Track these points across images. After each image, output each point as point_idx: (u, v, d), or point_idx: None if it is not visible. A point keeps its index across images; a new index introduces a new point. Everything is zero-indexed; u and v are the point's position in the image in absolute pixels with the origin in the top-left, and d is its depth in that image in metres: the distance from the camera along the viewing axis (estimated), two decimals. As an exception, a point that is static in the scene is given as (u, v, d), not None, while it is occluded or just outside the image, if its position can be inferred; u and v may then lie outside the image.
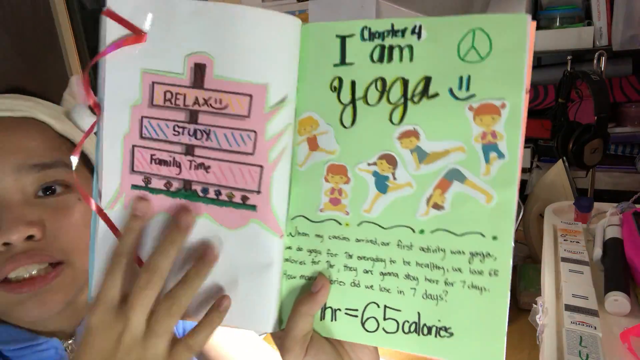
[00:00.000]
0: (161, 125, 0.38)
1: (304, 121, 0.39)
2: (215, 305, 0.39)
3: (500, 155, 0.34)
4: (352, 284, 0.39)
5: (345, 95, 0.37)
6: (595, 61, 1.07)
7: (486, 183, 0.35)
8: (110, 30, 0.37)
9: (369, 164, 0.37)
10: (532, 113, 1.53)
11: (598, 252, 0.71)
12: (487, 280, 0.35)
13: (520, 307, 0.93)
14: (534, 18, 0.30)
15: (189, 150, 0.38)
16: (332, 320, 0.40)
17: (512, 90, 0.34)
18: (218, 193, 0.38)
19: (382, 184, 0.37)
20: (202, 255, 0.39)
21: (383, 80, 0.36)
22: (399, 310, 0.38)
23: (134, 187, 0.39)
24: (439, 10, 1.17)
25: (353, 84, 0.36)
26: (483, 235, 0.35)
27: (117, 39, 0.37)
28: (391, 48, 0.35)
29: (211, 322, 0.39)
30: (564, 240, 0.75)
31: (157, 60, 0.37)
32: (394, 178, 0.37)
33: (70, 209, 0.49)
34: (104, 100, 0.38)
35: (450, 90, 0.34)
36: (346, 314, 0.39)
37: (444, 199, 0.36)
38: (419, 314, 0.37)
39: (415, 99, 0.35)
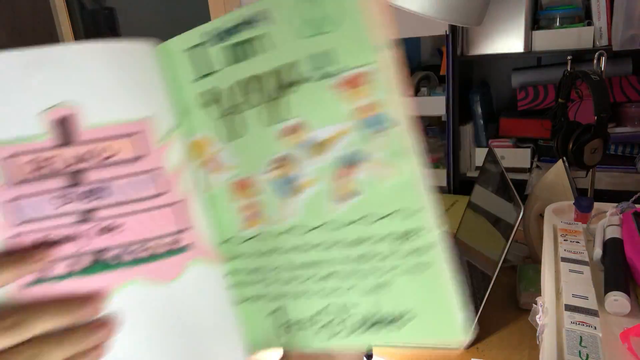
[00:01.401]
0: (37, 202, 0.31)
1: (196, 144, 0.36)
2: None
3: (390, 123, 0.32)
4: (299, 294, 0.37)
5: (226, 105, 0.34)
6: (595, 61, 1.07)
7: (387, 156, 0.32)
8: None
9: (270, 170, 0.35)
10: (532, 113, 1.53)
11: (598, 252, 0.71)
12: (425, 256, 0.33)
13: (520, 307, 0.93)
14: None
15: (86, 216, 0.32)
16: (289, 333, 0.38)
17: (372, 51, 0.30)
18: (141, 249, 0.33)
19: (290, 187, 0.35)
20: (97, 325, 0.32)
21: (254, 76, 0.33)
22: (352, 309, 0.36)
23: (29, 285, 0.31)
24: (441, 7, 1.17)
25: (227, 90, 0.34)
26: (407, 211, 0.33)
27: None
28: (249, 40, 0.32)
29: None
30: (564, 240, 0.75)
31: (4, 128, 0.31)
32: (299, 177, 0.34)
33: None
34: None
35: (318, 69, 0.32)
36: (300, 324, 0.38)
37: (355, 183, 0.33)
38: (371, 307, 0.35)
39: (288, 89, 0.33)
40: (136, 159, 0.33)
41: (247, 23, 0.32)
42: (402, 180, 0.32)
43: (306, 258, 0.36)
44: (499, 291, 0.97)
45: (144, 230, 0.33)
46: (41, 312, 0.30)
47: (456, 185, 1.63)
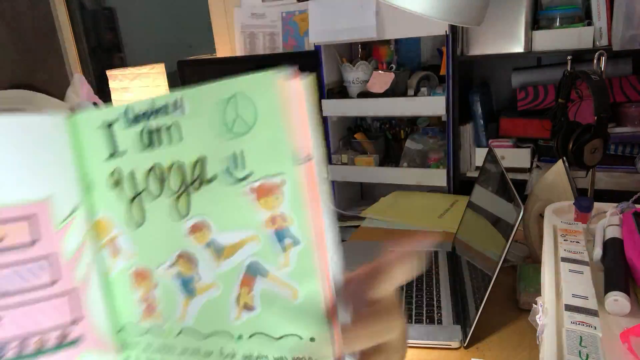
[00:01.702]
0: None
1: (99, 224, 0.33)
2: None
3: (295, 241, 0.29)
4: None
5: (129, 190, 0.32)
6: (595, 61, 1.07)
7: (288, 276, 0.30)
8: None
9: (170, 266, 0.32)
10: (532, 113, 1.53)
11: (598, 252, 0.71)
12: None
13: (520, 307, 0.93)
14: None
15: None
16: None
17: (285, 162, 0.28)
18: (23, 346, 0.30)
19: (188, 287, 0.32)
20: None
21: (160, 167, 0.31)
22: None
23: None
24: (441, 7, 1.17)
25: (132, 175, 0.32)
26: (300, 337, 0.30)
27: None
28: (159, 129, 0.31)
29: None
30: (564, 240, 0.75)
31: None
32: (199, 278, 0.32)
33: None
34: None
35: (227, 171, 0.29)
36: None
37: (252, 297, 0.30)
38: None
39: (196, 184, 0.30)
40: (30, 244, 0.30)
41: (158, 111, 0.30)
42: (298, 305, 0.30)
43: None
44: (499, 291, 0.97)
45: (30, 324, 0.30)
46: None
47: (456, 185, 1.63)
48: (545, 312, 0.60)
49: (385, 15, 1.54)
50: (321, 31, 1.63)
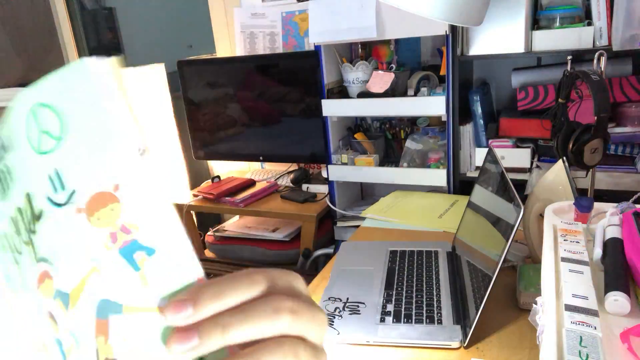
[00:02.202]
0: None
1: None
2: None
3: (149, 250, 0.24)
4: None
5: (9, 254, 0.27)
6: (595, 61, 1.07)
7: (152, 296, 0.24)
8: None
9: (48, 331, 0.26)
10: (532, 113, 1.53)
11: (598, 252, 0.71)
12: None
13: (520, 307, 0.93)
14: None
15: None
16: None
17: (115, 163, 0.23)
18: None
19: (62, 352, 0.26)
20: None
21: (12, 219, 0.26)
22: None
23: None
24: (441, 7, 1.17)
25: (6, 236, 0.27)
26: None
27: None
28: (3, 175, 0.26)
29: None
30: (564, 240, 0.75)
31: None
32: (63, 340, 0.26)
33: None
34: None
35: (50, 199, 0.24)
36: None
37: (111, 347, 0.24)
38: None
39: (32, 227, 0.25)
40: None
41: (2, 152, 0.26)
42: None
43: None
44: (499, 291, 0.97)
45: None
46: None
47: (456, 185, 1.63)
48: (545, 312, 0.60)
49: (385, 15, 1.54)
50: (321, 31, 1.63)
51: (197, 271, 0.25)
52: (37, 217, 0.25)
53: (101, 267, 0.24)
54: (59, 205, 0.24)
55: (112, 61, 0.23)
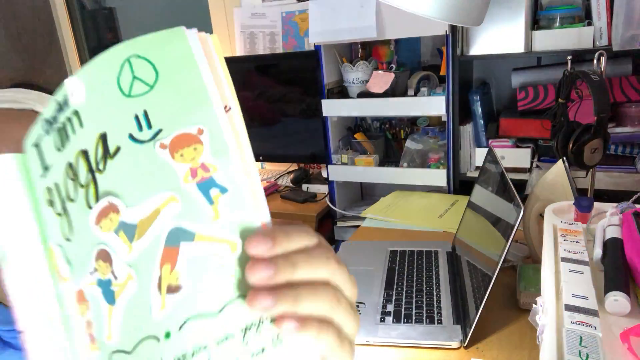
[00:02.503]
0: None
1: (49, 251, 0.30)
2: None
3: (222, 189, 0.26)
4: None
5: (57, 205, 0.29)
6: (595, 61, 1.07)
7: (222, 228, 0.26)
8: None
9: (90, 273, 0.28)
10: (532, 113, 1.53)
11: (598, 252, 0.71)
12: (274, 352, 0.27)
13: (520, 307, 0.93)
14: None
15: None
16: None
17: (202, 111, 0.26)
18: None
19: (108, 293, 0.27)
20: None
21: (70, 165, 0.28)
22: None
23: None
24: (441, 7, 1.17)
25: (57, 187, 0.29)
26: (244, 298, 0.26)
27: None
28: (64, 126, 0.28)
29: None
30: (564, 240, 0.75)
31: None
32: (115, 277, 0.27)
33: None
34: None
35: (131, 136, 0.27)
36: None
37: (178, 274, 0.26)
38: None
39: (100, 166, 0.27)
40: None
41: (61, 105, 0.28)
42: (238, 258, 0.27)
43: None
44: (499, 291, 0.97)
45: None
46: None
47: (456, 185, 1.63)
48: (545, 312, 0.60)
49: (385, 15, 1.54)
50: (321, 31, 1.63)
51: (263, 216, 0.27)
52: (111, 155, 0.27)
53: (178, 197, 0.26)
54: (141, 142, 0.27)
55: (214, 36, 0.27)
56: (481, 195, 1.10)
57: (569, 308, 0.58)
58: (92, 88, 0.27)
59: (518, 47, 1.43)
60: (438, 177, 1.63)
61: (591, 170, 1.11)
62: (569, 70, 1.11)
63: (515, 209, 0.80)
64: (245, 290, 0.27)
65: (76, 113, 0.28)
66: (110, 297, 0.27)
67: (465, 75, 1.71)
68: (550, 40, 1.42)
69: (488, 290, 0.82)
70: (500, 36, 1.45)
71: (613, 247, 0.70)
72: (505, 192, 0.89)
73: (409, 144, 1.73)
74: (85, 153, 0.27)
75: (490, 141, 1.59)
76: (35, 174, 0.30)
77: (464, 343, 0.85)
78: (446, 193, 1.64)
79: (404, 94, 1.66)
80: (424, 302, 0.97)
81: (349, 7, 1.57)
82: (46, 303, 0.30)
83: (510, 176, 0.92)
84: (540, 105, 1.52)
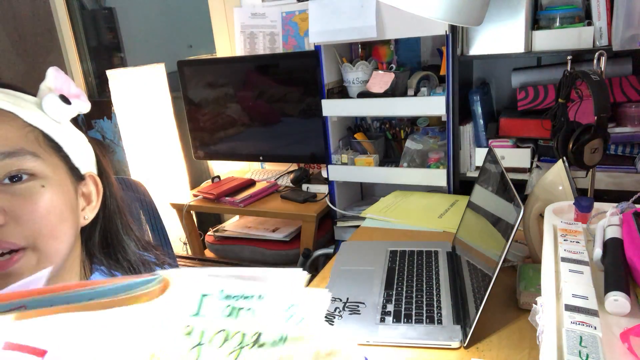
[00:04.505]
0: None
1: None
2: None
3: None
4: None
5: (194, 339, 0.39)
6: (595, 61, 1.07)
7: None
8: None
9: None
10: (532, 113, 1.53)
11: (598, 252, 0.71)
12: None
13: (520, 307, 0.93)
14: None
15: None
16: None
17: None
18: None
19: None
20: None
21: (227, 331, 0.39)
22: None
23: None
24: (441, 7, 1.17)
25: (202, 331, 0.39)
26: None
27: None
28: (240, 309, 0.40)
29: None
30: (564, 240, 0.75)
31: None
32: None
33: (33, 196, 0.51)
34: None
35: (272, 342, 0.39)
36: None
37: None
38: None
39: (249, 346, 0.39)
40: None
41: (247, 297, 0.39)
42: None
43: None
44: (499, 291, 0.97)
45: None
46: None
47: (456, 185, 1.63)
48: (545, 312, 0.60)
49: (385, 15, 1.54)
50: (321, 31, 1.63)
51: None
52: (259, 346, 0.39)
53: None
54: (273, 346, 0.39)
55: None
56: (481, 195, 1.10)
57: (569, 308, 0.58)
58: (271, 303, 0.39)
59: (518, 47, 1.43)
60: (438, 177, 1.63)
61: (591, 170, 1.11)
62: (569, 70, 1.11)
63: (515, 209, 0.80)
64: None
65: (253, 310, 0.39)
66: None
67: (465, 75, 1.71)
68: (550, 40, 1.42)
69: (488, 290, 0.82)
70: (500, 36, 1.45)
71: (613, 247, 0.70)
72: (505, 192, 0.89)
73: (409, 144, 1.73)
74: (244, 334, 0.39)
75: (490, 141, 1.59)
76: (186, 308, 0.39)
77: (464, 343, 0.85)
78: (446, 193, 1.64)
79: (404, 94, 1.66)
80: (424, 302, 0.97)
81: (349, 7, 1.57)
82: None
83: (510, 176, 0.92)
84: (540, 105, 1.52)
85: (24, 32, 2.51)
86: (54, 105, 0.55)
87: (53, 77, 0.57)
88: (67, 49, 2.68)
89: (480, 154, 1.61)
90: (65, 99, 0.56)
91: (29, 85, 0.59)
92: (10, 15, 2.46)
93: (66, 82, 0.58)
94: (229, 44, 2.20)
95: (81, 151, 0.59)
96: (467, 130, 1.62)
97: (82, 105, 0.58)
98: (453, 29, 1.48)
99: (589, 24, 1.37)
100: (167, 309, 0.39)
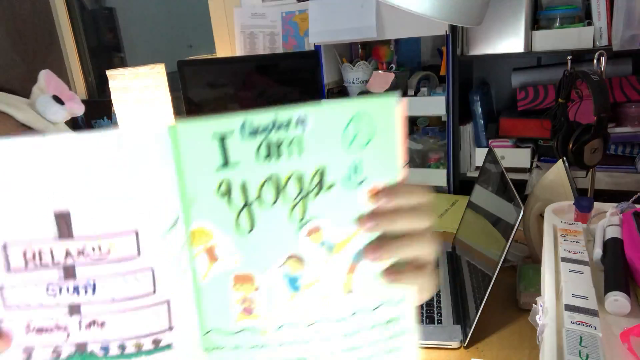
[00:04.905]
0: (29, 291, 0.32)
1: (198, 232, 0.34)
2: None
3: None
4: None
5: (238, 200, 0.33)
6: (595, 61, 1.07)
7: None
8: None
9: (278, 267, 0.35)
10: (532, 113, 1.53)
11: (598, 252, 0.71)
12: (399, 340, 0.37)
13: (520, 307, 0.93)
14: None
15: (75, 310, 0.33)
16: None
17: (392, 169, 0.35)
18: (123, 347, 0.34)
19: (294, 284, 0.36)
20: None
21: (277, 177, 0.33)
22: None
23: None
24: (441, 7, 1.17)
25: (244, 186, 0.33)
26: (392, 302, 0.36)
27: None
28: (279, 143, 0.32)
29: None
30: (564, 240, 0.75)
31: (16, 221, 0.31)
32: (306, 276, 0.35)
33: None
34: None
35: (347, 178, 0.34)
36: None
37: (352, 281, 0.36)
38: None
39: (314, 191, 0.33)
40: (131, 257, 0.32)
41: (280, 126, 0.32)
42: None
43: (292, 354, 0.37)
44: (499, 291, 0.97)
45: (126, 329, 0.33)
46: None
47: (456, 185, 1.63)
48: (545, 312, 0.60)
49: (385, 15, 1.54)
50: (321, 31, 1.63)
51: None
52: (325, 188, 0.33)
53: (359, 233, 0.35)
54: (350, 186, 0.34)
55: (403, 102, 0.33)
56: (481, 195, 1.10)
57: (569, 308, 0.58)
58: (320, 127, 0.32)
59: (518, 47, 1.43)
60: (438, 177, 1.63)
61: (591, 170, 1.11)
62: (569, 70, 1.11)
63: (515, 209, 0.80)
64: (393, 297, 0.36)
65: (299, 140, 0.33)
66: (296, 287, 0.35)
67: (465, 75, 1.71)
68: (550, 40, 1.42)
69: (488, 290, 0.82)
70: (500, 36, 1.45)
71: (613, 247, 0.70)
72: (505, 192, 0.89)
73: (409, 144, 1.72)
74: (300, 177, 0.33)
75: (490, 141, 1.59)
76: (208, 162, 0.33)
77: (464, 343, 0.85)
78: (446, 193, 1.64)
79: (404, 94, 1.66)
80: (424, 302, 0.97)
81: (349, 7, 1.57)
82: (179, 269, 0.34)
83: (510, 176, 0.92)
84: (540, 105, 1.52)
85: (24, 32, 2.51)
86: (48, 106, 0.55)
87: (46, 79, 0.57)
88: (67, 49, 2.68)
89: (480, 154, 1.61)
90: (58, 100, 0.56)
91: (29, 86, 0.59)
92: (11, 15, 2.46)
93: (59, 85, 0.58)
94: (229, 44, 2.20)
95: None
96: (467, 130, 1.62)
97: (76, 108, 0.58)
98: (453, 29, 1.48)
99: (589, 24, 1.37)
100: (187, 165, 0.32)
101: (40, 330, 0.33)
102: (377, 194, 0.34)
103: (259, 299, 0.36)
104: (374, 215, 0.35)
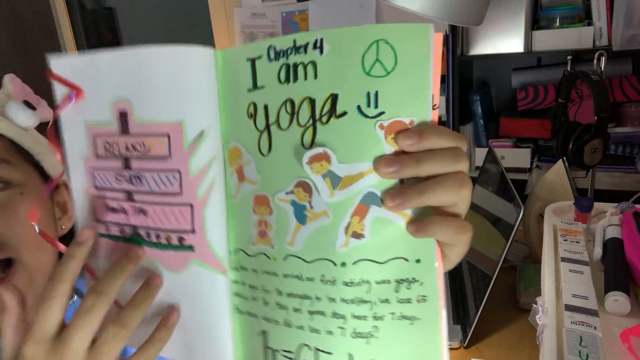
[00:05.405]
0: (107, 175, 0.39)
1: (232, 152, 0.37)
2: (163, 321, 0.39)
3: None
4: (285, 324, 0.36)
5: (260, 121, 0.34)
6: (595, 61, 1.07)
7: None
8: (57, 91, 0.38)
9: (287, 193, 0.34)
10: (532, 113, 1.53)
11: (598, 252, 0.71)
12: (416, 307, 0.33)
13: (520, 307, 0.93)
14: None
15: (129, 196, 0.39)
16: (274, 359, 0.38)
17: (419, 107, 0.31)
18: (158, 236, 0.38)
19: (300, 214, 0.34)
20: (148, 280, 0.39)
21: (292, 101, 0.33)
22: (330, 353, 0.35)
23: (100, 235, 0.40)
24: (441, 7, 1.17)
25: (266, 108, 0.34)
26: (406, 260, 0.33)
27: (62, 98, 0.38)
28: (295, 66, 0.32)
29: (159, 339, 0.38)
30: (564, 240, 0.75)
31: (94, 113, 0.38)
32: (311, 207, 0.34)
33: (12, 205, 0.49)
34: (67, 156, 0.40)
35: (359, 108, 0.31)
36: (283, 356, 0.37)
37: (363, 226, 0.33)
38: (350, 355, 0.34)
39: (324, 118, 0.32)
40: (165, 157, 0.37)
41: (299, 49, 0.32)
42: (405, 231, 0.33)
43: (296, 289, 0.35)
44: (499, 291, 0.97)
45: (160, 221, 0.38)
46: (111, 274, 0.37)
47: (456, 185, 1.63)
48: (545, 312, 0.60)
49: (385, 15, 1.54)
50: (321, 31, 1.63)
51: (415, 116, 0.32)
52: (337, 115, 0.31)
53: (372, 171, 0.32)
54: (366, 116, 0.31)
55: (439, 35, 0.31)
56: (481, 195, 1.10)
57: (569, 308, 0.58)
58: (336, 51, 0.31)
59: (518, 47, 1.43)
60: (438, 177, 1.63)
61: (591, 170, 1.11)
62: (569, 70, 1.11)
63: (515, 209, 0.80)
64: (409, 254, 0.33)
65: (314, 64, 0.31)
66: (301, 217, 0.34)
67: (465, 75, 1.71)
68: (550, 40, 1.42)
69: (488, 290, 0.82)
70: (500, 36, 1.45)
71: (613, 247, 0.70)
72: (505, 192, 0.89)
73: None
74: (312, 101, 0.32)
75: (490, 141, 1.59)
76: (242, 84, 0.35)
77: (464, 343, 0.85)
78: (446, 193, 1.64)
79: (404, 94, 1.66)
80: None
81: (349, 7, 1.57)
82: (205, 182, 0.37)
83: (510, 176, 0.92)
84: (540, 105, 1.52)
85: (24, 32, 2.51)
86: (19, 112, 0.53)
87: (11, 84, 0.55)
88: (67, 49, 2.68)
89: (480, 154, 1.61)
90: (29, 105, 0.54)
91: (29, 86, 0.58)
92: (11, 15, 2.46)
93: (24, 89, 0.56)
94: (229, 44, 2.20)
95: (52, 158, 0.58)
96: (467, 130, 1.62)
97: (45, 113, 0.56)
98: (453, 29, 1.48)
99: (589, 24, 1.37)
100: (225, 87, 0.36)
101: (112, 210, 0.39)
102: (400, 133, 0.30)
103: (271, 223, 0.36)
104: (395, 160, 0.31)
